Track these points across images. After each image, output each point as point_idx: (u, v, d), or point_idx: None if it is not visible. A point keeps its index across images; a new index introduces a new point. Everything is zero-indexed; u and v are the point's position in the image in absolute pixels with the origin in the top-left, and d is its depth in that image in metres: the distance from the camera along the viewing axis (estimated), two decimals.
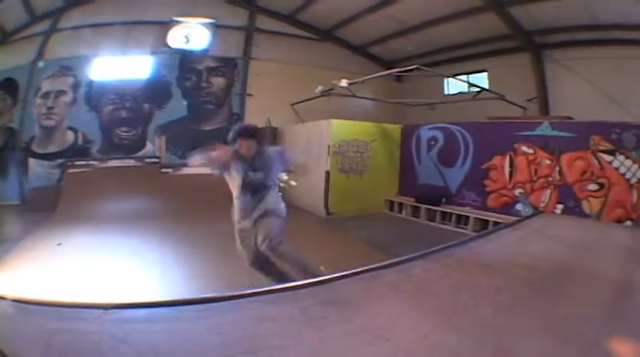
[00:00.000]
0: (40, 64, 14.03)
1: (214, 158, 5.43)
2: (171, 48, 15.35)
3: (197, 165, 5.87)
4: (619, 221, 8.97)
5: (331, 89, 13.23)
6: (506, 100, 13.30)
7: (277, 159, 5.57)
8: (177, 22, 15.14)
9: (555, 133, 9.96)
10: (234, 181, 5.42)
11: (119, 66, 15.16)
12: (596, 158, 9.26)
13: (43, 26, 13.87)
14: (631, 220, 8.88)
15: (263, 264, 5.56)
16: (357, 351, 2.53)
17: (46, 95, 14.25)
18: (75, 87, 14.62)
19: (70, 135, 14.62)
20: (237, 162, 5.35)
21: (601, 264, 4.46)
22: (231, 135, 5.47)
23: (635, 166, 8.83)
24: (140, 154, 15.17)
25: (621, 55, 11.63)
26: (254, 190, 5.38)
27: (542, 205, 10.15)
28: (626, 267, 4.36)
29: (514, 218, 9.24)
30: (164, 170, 13.90)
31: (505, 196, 10.87)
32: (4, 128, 14.02)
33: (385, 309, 3.13)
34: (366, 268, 3.73)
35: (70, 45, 14.28)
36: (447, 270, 3.92)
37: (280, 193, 5.78)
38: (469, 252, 4.54)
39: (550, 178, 10.06)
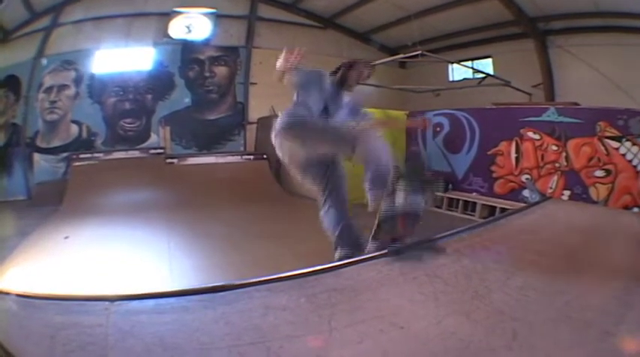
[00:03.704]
0: (44, 61, 13.99)
1: None
2: (173, 39, 15.30)
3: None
4: (626, 208, 8.91)
5: None
6: (512, 86, 13.22)
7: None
8: (179, 13, 15.07)
9: (562, 119, 9.89)
10: None
11: (121, 58, 15.11)
12: (603, 144, 9.19)
13: (43, 22, 13.81)
14: (638, 206, 8.82)
15: None
16: (369, 339, 2.51)
17: (49, 90, 14.22)
18: (77, 81, 14.59)
19: (74, 128, 14.61)
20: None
21: (611, 251, 4.45)
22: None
23: None
24: (145, 145, 15.16)
25: (626, 42, 11.51)
26: None
27: (549, 191, 10.09)
28: (636, 254, 4.33)
29: (521, 204, 9.25)
30: (169, 161, 13.91)
31: (512, 182, 10.82)
32: (8, 124, 14.00)
33: (396, 295, 3.10)
34: (375, 254, 3.71)
35: (71, 39, 14.24)
36: (457, 256, 3.89)
37: None
38: (479, 238, 4.51)
39: (557, 164, 10.00)
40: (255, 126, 16.60)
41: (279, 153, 5.02)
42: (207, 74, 16.17)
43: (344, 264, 3.48)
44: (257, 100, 16.55)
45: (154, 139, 15.42)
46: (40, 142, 14.16)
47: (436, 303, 3.01)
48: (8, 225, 9.91)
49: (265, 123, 16.04)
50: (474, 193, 11.42)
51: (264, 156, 14.84)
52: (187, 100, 15.92)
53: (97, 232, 8.95)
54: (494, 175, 11.16)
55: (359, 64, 5.00)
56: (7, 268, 6.46)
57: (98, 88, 14.79)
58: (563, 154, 9.84)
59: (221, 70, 16.34)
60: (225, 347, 2.32)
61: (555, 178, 10.03)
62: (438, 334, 2.61)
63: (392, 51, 17.92)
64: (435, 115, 12.92)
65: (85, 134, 14.67)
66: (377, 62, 13.15)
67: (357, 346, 2.44)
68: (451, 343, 2.54)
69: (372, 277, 3.34)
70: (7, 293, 3.00)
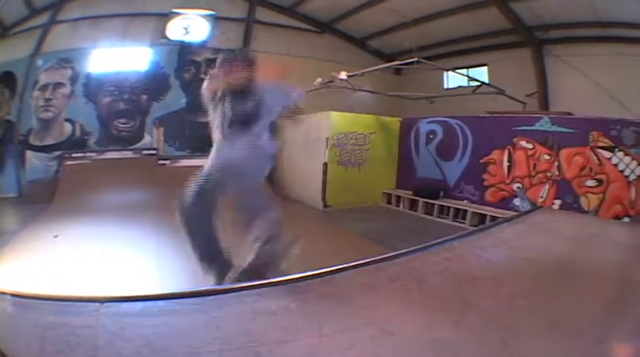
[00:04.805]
0: (40, 61, 13.96)
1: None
2: (170, 40, 15.28)
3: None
4: (617, 218, 8.94)
5: (330, 81, 13.15)
6: (506, 95, 13.24)
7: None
8: (177, 14, 15.06)
9: (555, 128, 9.91)
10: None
11: (118, 58, 15.08)
12: (595, 154, 9.21)
13: (41, 19, 13.78)
14: (629, 216, 8.85)
15: None
16: (359, 345, 2.51)
17: (44, 87, 14.18)
18: (73, 79, 14.55)
19: (68, 127, 14.55)
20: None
21: (601, 260, 4.45)
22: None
23: (634, 163, 8.79)
24: (138, 145, 15.12)
25: (622, 52, 11.58)
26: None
27: (540, 200, 10.11)
28: (626, 264, 4.35)
29: (512, 213, 9.26)
30: (162, 162, 13.89)
31: (503, 190, 10.84)
32: (1, 121, 13.95)
33: (385, 302, 3.11)
34: (366, 260, 3.71)
35: (68, 37, 14.21)
36: (447, 263, 3.90)
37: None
38: (469, 246, 4.52)
39: (549, 174, 10.02)
40: None
41: None
42: (204, 76, 16.12)
43: (335, 270, 3.48)
44: None
45: (147, 139, 15.38)
46: (33, 140, 14.09)
47: (426, 310, 3.02)
48: None
49: None
50: (465, 201, 11.45)
51: None
52: (179, 101, 15.88)
53: (87, 232, 8.92)
54: (485, 183, 11.19)
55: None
56: None
57: (94, 88, 14.75)
58: (555, 163, 9.87)
59: None
60: (215, 351, 2.32)
61: (547, 187, 10.06)
62: (427, 341, 2.62)
63: (388, 57, 17.97)
64: (428, 122, 12.96)
65: (78, 133, 14.61)
66: (370, 69, 13.22)
67: (347, 352, 2.45)
68: (440, 350, 2.55)
69: (362, 284, 3.34)
70: None
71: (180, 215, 4.67)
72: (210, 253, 4.53)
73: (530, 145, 10.32)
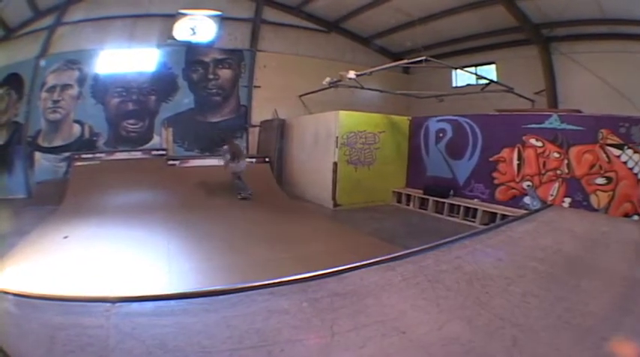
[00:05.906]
0: (42, 62, 13.99)
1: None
2: (177, 40, 15.30)
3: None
4: (627, 216, 8.89)
5: (339, 81, 13.15)
6: (515, 93, 13.21)
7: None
8: (184, 15, 15.09)
9: (564, 126, 9.88)
10: None
11: (125, 59, 15.11)
12: (605, 152, 9.17)
13: (47, 21, 13.84)
14: (638, 214, 8.80)
15: None
16: (371, 343, 2.50)
17: (52, 89, 14.21)
18: (81, 80, 14.58)
19: (77, 128, 14.59)
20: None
21: (611, 258, 4.43)
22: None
23: None
24: (147, 146, 15.15)
25: (629, 49, 11.50)
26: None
27: (550, 198, 10.08)
28: (636, 262, 4.32)
29: (522, 211, 9.23)
30: (171, 162, 13.91)
31: (513, 188, 10.81)
32: (9, 123, 14.00)
33: (398, 300, 3.10)
34: (377, 259, 3.70)
35: (75, 39, 14.26)
36: (458, 262, 3.89)
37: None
38: (480, 244, 4.50)
39: (558, 171, 9.98)
40: (257, 129, 16.61)
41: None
42: (211, 77, 16.16)
43: (347, 269, 3.47)
44: (260, 103, 16.57)
45: (156, 140, 15.41)
46: (41, 141, 14.14)
47: (438, 308, 3.01)
48: (7, 223, 9.90)
49: (268, 126, 16.04)
50: (475, 200, 11.42)
51: (267, 159, 14.84)
52: (187, 101, 15.90)
53: (97, 232, 8.94)
54: (495, 181, 11.16)
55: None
56: (6, 266, 6.45)
57: (101, 89, 14.79)
58: (565, 161, 9.83)
59: (225, 73, 16.32)
60: (227, 351, 2.32)
61: (556, 185, 10.02)
62: (439, 339, 2.61)
63: (396, 56, 17.93)
64: (438, 120, 12.93)
65: (87, 134, 14.65)
66: (379, 68, 13.27)
67: (359, 351, 2.44)
68: (452, 348, 2.54)
69: (374, 282, 3.33)
70: (6, 293, 2.99)
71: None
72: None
73: (539, 143, 10.28)
